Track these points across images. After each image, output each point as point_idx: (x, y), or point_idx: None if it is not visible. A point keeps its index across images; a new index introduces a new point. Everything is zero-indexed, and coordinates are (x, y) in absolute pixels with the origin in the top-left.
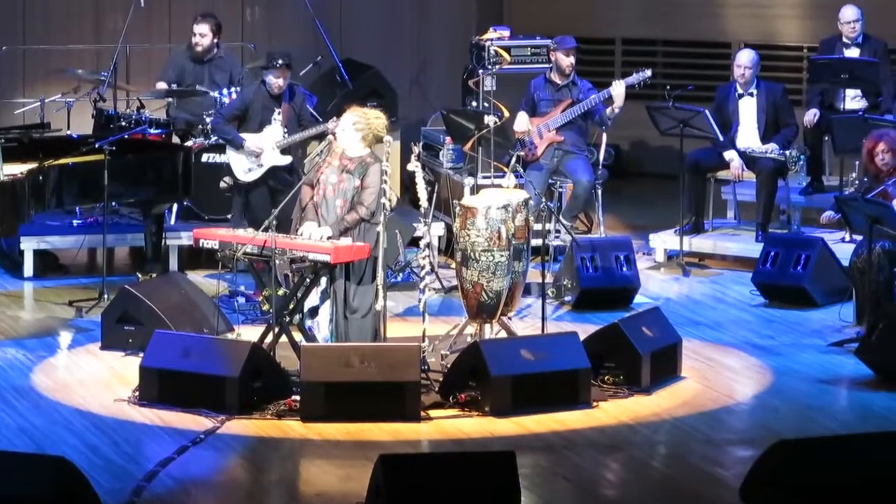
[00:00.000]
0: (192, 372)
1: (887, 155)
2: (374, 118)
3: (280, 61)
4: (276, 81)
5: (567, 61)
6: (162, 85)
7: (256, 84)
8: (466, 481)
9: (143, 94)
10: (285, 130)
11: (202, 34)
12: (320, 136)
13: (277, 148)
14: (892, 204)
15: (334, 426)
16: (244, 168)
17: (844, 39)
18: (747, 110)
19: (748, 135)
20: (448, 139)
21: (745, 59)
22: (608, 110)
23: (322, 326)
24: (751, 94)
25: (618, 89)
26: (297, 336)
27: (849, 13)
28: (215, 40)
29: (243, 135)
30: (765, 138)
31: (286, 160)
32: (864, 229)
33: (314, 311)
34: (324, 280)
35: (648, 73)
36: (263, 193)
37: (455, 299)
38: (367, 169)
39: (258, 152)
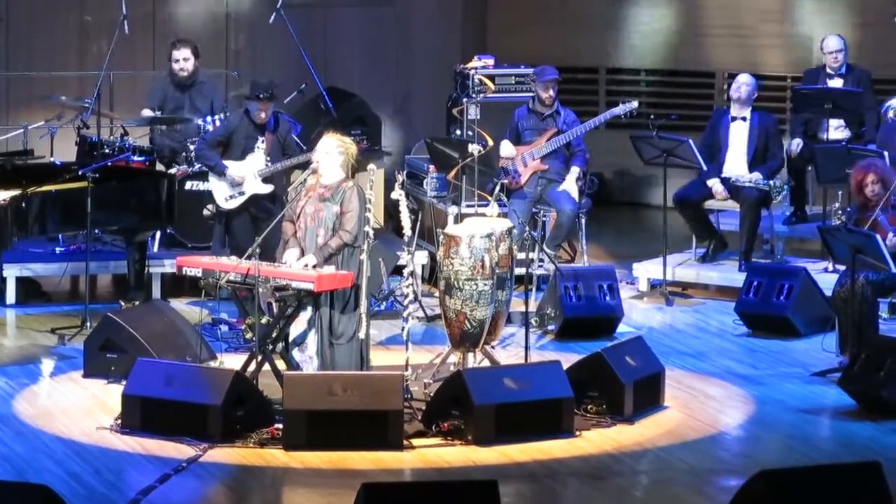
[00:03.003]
0: (175, 400)
1: (876, 185)
2: (350, 144)
3: (263, 94)
4: (259, 112)
5: (546, 94)
6: (147, 113)
7: (240, 112)
8: None
9: (127, 121)
10: (268, 159)
11: (184, 58)
12: (304, 165)
13: (259, 177)
14: (878, 235)
15: (317, 454)
16: (225, 195)
17: (828, 70)
18: (738, 136)
19: (736, 160)
20: (432, 167)
21: (743, 77)
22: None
23: (314, 359)
24: (743, 120)
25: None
26: (280, 364)
27: (832, 43)
28: (196, 64)
29: (226, 162)
30: (752, 166)
31: (268, 189)
32: (847, 259)
33: (300, 341)
34: (310, 309)
35: (635, 104)
36: (245, 221)
37: (438, 328)
38: (345, 195)
39: (239, 181)
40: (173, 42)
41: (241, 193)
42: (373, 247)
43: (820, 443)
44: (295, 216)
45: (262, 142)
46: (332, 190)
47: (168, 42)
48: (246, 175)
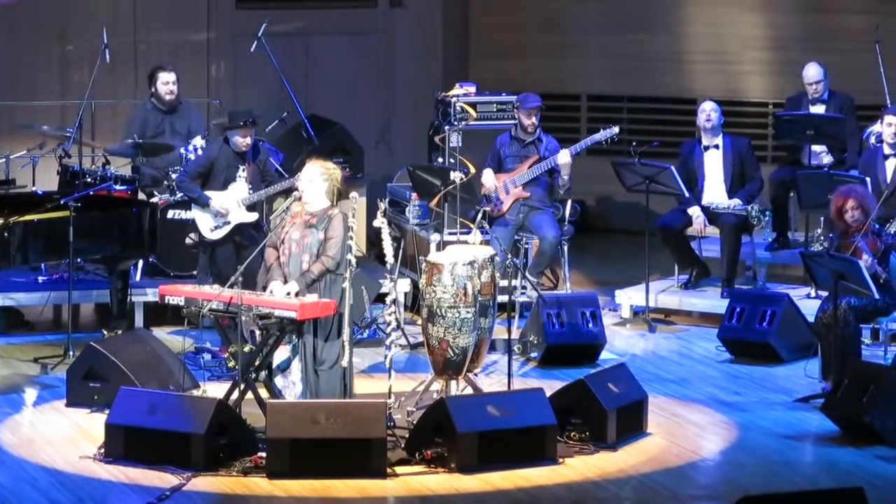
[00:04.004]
0: (158, 428)
1: (856, 211)
2: (334, 170)
3: (245, 120)
4: (242, 140)
5: (528, 121)
6: (126, 143)
7: (220, 142)
8: None
9: (111, 148)
10: (250, 187)
11: (174, 81)
12: (286, 192)
13: (243, 205)
14: (860, 261)
15: (300, 483)
16: (210, 226)
17: (810, 97)
18: (713, 164)
19: (714, 189)
20: (414, 195)
21: (709, 105)
22: (559, 180)
23: (297, 384)
24: (716, 147)
25: (563, 159)
26: (263, 393)
27: (812, 73)
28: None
29: (208, 193)
30: (731, 192)
31: (253, 217)
32: (829, 285)
33: (284, 366)
34: (293, 336)
35: (616, 129)
36: (229, 249)
37: (421, 356)
38: (331, 221)
39: (224, 212)
40: (154, 69)
41: (227, 223)
42: (355, 275)
43: (803, 468)
44: (278, 242)
45: (244, 170)
46: (317, 217)
47: (148, 71)
48: (230, 204)
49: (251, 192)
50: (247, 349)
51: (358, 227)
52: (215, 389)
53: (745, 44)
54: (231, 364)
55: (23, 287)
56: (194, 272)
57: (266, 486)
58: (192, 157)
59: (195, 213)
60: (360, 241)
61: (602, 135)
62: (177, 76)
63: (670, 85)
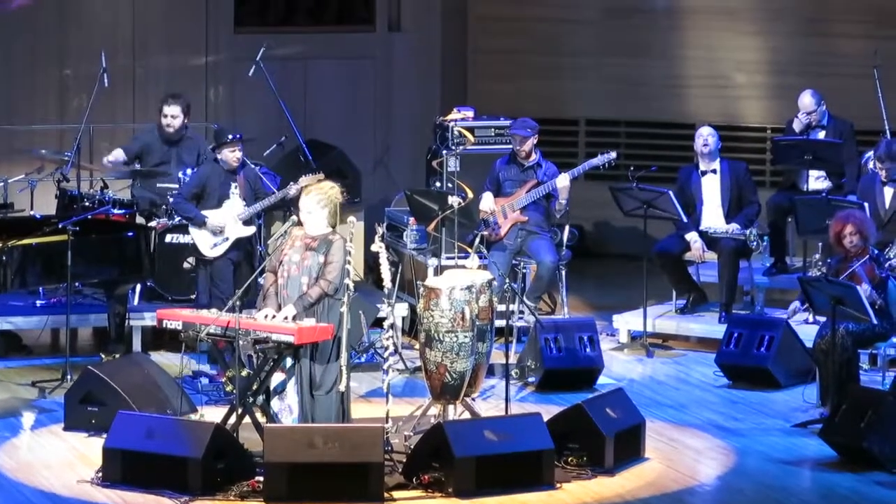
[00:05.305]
0: (156, 453)
1: (855, 237)
2: (330, 189)
3: (233, 136)
4: (232, 156)
5: (522, 147)
6: (119, 152)
7: (210, 162)
8: None
9: (108, 173)
10: (244, 203)
11: (173, 115)
12: (280, 204)
13: (239, 220)
14: (858, 286)
15: None
16: (209, 244)
17: (812, 123)
18: (711, 189)
19: (713, 213)
20: (412, 220)
21: (706, 130)
22: (556, 205)
23: (294, 408)
24: (713, 172)
25: (562, 182)
26: (261, 417)
27: (806, 102)
28: (185, 121)
29: (205, 212)
30: (729, 217)
31: (250, 231)
32: (827, 310)
33: (280, 389)
34: (289, 360)
35: (613, 154)
36: (227, 267)
37: (419, 380)
38: (331, 246)
39: (221, 228)
40: (165, 97)
41: (225, 239)
42: (353, 299)
43: (801, 494)
44: (277, 265)
45: (236, 186)
46: (318, 240)
47: (156, 97)
48: (226, 220)
49: (245, 206)
50: (244, 374)
51: (355, 252)
52: (213, 414)
53: (742, 68)
54: (228, 388)
55: (21, 311)
56: (192, 296)
57: None
58: (184, 177)
59: (193, 233)
60: (357, 266)
61: (600, 160)
62: (182, 110)
63: (668, 110)
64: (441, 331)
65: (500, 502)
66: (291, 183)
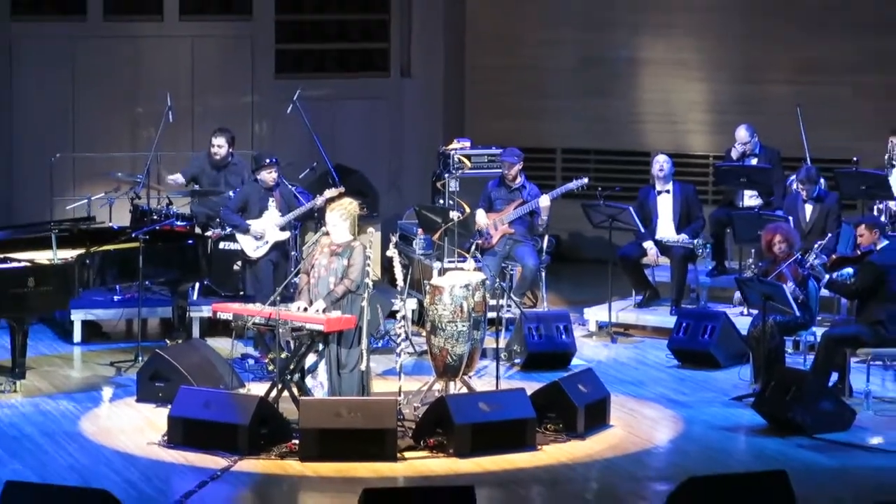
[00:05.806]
0: (211, 420)
1: (783, 244)
2: (349, 204)
3: (270, 160)
4: (269, 176)
5: (510, 172)
6: (178, 176)
7: (251, 182)
8: None
9: (171, 192)
10: (280, 213)
11: (220, 145)
12: (311, 213)
13: (277, 227)
14: (784, 285)
15: (327, 465)
16: (253, 247)
17: (746, 152)
18: (665, 206)
19: (665, 225)
20: (420, 230)
21: (661, 158)
22: (539, 220)
23: (324, 384)
24: (667, 192)
25: (544, 202)
26: (296, 391)
27: (742, 134)
28: (230, 150)
29: (248, 221)
30: (679, 229)
31: (286, 235)
32: (759, 305)
33: (312, 369)
34: (320, 345)
35: (585, 180)
36: (267, 266)
37: (426, 361)
38: (353, 251)
39: (262, 234)
40: (215, 130)
41: (266, 243)
42: (372, 295)
43: (737, 455)
44: (309, 268)
45: (273, 201)
46: (342, 247)
47: (211, 130)
48: (266, 227)
49: (281, 216)
50: (283, 356)
51: (374, 256)
52: (257, 388)
53: (690, 108)
54: (270, 368)
55: (101, 304)
56: (241, 292)
57: (298, 468)
58: (232, 195)
59: (240, 238)
60: (375, 268)
61: (574, 184)
62: (227, 141)
63: (629, 141)
64: (444, 321)
65: (492, 461)
66: (318, 195)
